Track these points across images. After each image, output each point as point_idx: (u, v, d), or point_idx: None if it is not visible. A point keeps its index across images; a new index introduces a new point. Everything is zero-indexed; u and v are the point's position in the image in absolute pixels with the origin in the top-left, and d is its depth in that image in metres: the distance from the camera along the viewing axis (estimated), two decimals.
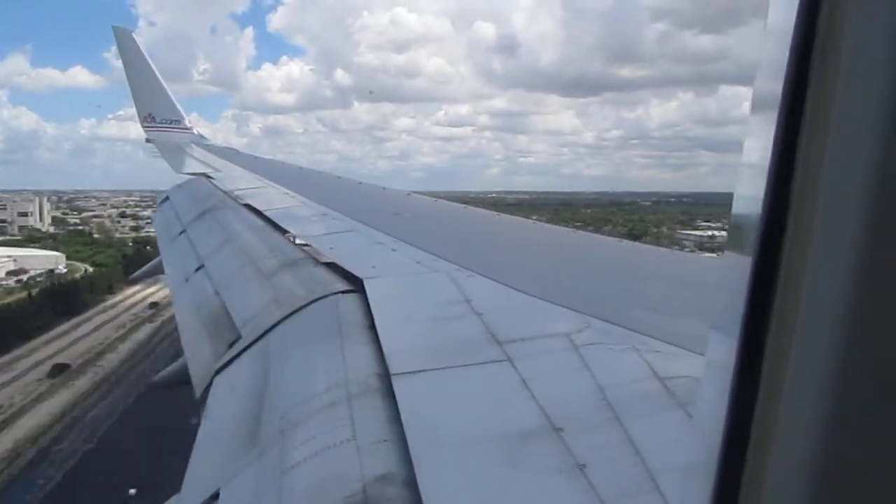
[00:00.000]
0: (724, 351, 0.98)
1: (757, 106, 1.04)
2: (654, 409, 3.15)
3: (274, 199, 12.48)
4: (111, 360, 66.54)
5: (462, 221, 12.02)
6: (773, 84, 0.87)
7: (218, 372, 5.36)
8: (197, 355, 6.23)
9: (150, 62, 27.11)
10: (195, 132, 27.68)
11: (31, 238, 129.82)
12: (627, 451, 2.79)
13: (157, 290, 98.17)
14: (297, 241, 8.58)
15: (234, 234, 10.28)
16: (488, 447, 3.02)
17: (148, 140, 26.26)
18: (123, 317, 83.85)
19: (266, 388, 4.55)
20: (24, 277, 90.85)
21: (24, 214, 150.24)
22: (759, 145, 0.93)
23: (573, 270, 7.08)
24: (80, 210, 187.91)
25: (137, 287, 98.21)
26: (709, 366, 1.21)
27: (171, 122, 26.96)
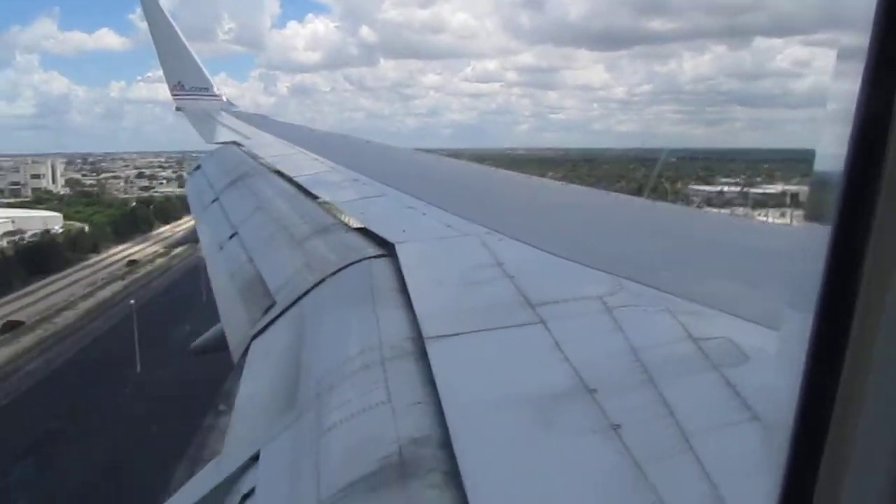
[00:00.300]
0: (797, 329, 0.88)
1: (844, 54, 0.92)
2: (688, 371, 3.14)
3: (304, 165, 12.52)
4: (66, 318, 67.07)
5: (492, 184, 11.97)
6: (861, 33, 0.78)
7: (254, 337, 5.45)
8: (233, 321, 6.34)
9: (177, 29, 27.20)
10: (224, 99, 27.81)
11: (39, 200, 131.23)
12: (661, 411, 2.79)
13: (143, 248, 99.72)
14: (328, 207, 8.62)
15: (266, 201, 10.36)
16: (522, 408, 3.04)
17: (178, 108, 26.45)
18: (99, 275, 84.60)
19: (301, 352, 4.62)
20: (18, 238, 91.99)
21: (37, 177, 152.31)
22: (845, 96, 0.83)
23: (605, 232, 7.03)
24: (100, 172, 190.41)
25: (125, 245, 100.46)
26: (783, 341, 1.09)
27: (200, 90, 27.08)
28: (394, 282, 5.07)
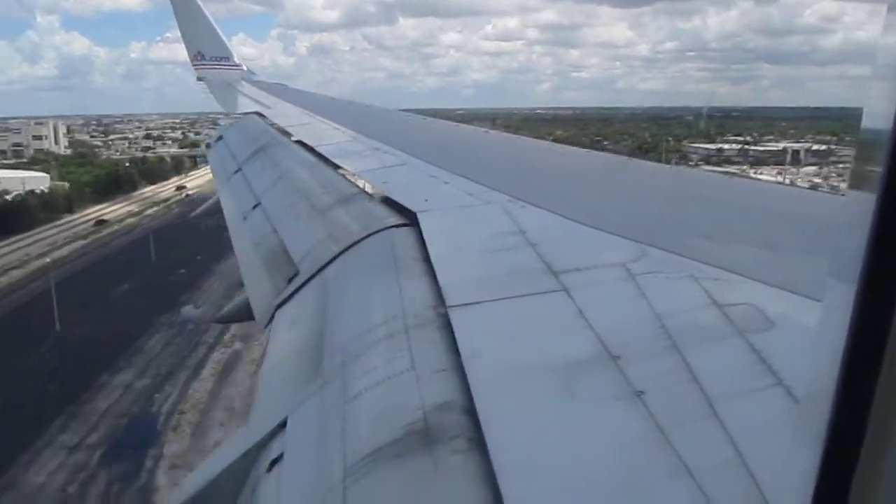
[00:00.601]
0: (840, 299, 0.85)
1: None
2: (712, 337, 3.14)
3: (325, 134, 12.52)
4: (13, 277, 68.31)
5: (514, 152, 11.89)
6: None
7: (279, 307, 5.51)
8: (258, 291, 6.41)
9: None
10: (244, 68, 27.81)
11: (35, 161, 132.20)
12: (685, 377, 2.79)
13: (119, 208, 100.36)
14: (350, 177, 8.63)
15: (288, 171, 10.39)
16: (545, 375, 3.06)
17: (199, 78, 26.50)
18: (64, 234, 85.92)
19: (326, 321, 4.67)
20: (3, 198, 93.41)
21: (39, 138, 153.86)
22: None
23: (628, 199, 6.98)
24: (109, 133, 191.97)
25: (102, 205, 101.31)
26: (825, 310, 1.04)
27: (220, 60, 27.10)
28: (417, 251, 5.08)
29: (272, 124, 15.12)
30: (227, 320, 8.91)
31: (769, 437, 2.28)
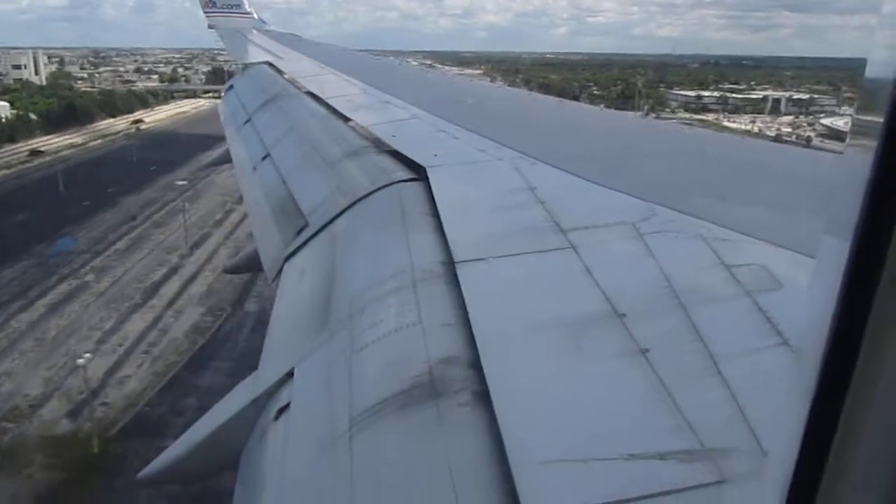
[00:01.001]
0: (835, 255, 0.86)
1: None
2: (718, 297, 3.14)
3: (336, 86, 12.42)
4: None
5: (525, 109, 11.79)
6: None
7: (287, 258, 5.54)
8: (267, 242, 6.44)
9: None
10: (255, 17, 27.44)
11: (6, 90, 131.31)
12: (690, 336, 2.80)
13: (64, 140, 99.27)
14: (360, 130, 8.59)
15: (298, 123, 10.34)
16: (551, 331, 3.09)
17: (210, 26, 26.19)
18: None
19: (334, 273, 4.70)
20: None
21: (18, 67, 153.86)
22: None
23: (640, 158, 6.93)
24: (98, 66, 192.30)
25: (50, 136, 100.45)
26: (819, 267, 1.07)
27: (231, 7, 26.73)
28: (425, 205, 5.08)
29: (283, 74, 14.99)
30: (236, 271, 8.98)
31: (772, 395, 2.31)
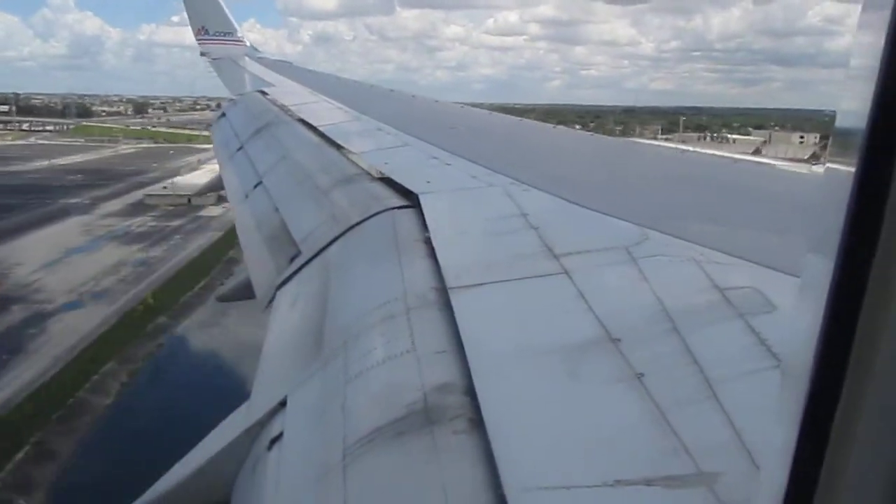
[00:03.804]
0: (820, 275, 0.88)
1: (868, 6, 0.90)
2: (712, 320, 3.14)
3: (328, 114, 12.47)
4: None
5: (517, 135, 11.86)
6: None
7: (280, 286, 5.52)
8: (259, 270, 6.42)
9: None
10: (247, 44, 27.56)
11: None
12: (685, 360, 2.80)
13: None
14: (352, 157, 8.61)
15: (291, 150, 10.36)
16: (546, 358, 3.07)
17: (202, 53, 26.28)
18: None
19: (327, 301, 4.68)
20: None
21: None
22: (869, 50, 0.81)
23: (631, 182, 6.97)
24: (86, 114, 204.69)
25: None
26: (804, 288, 1.09)
27: (224, 35, 26.83)
28: (418, 232, 5.09)
29: (275, 102, 15.05)
30: (228, 299, 8.94)
31: (768, 418, 2.30)
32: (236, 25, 27.45)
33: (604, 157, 9.42)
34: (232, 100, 18.05)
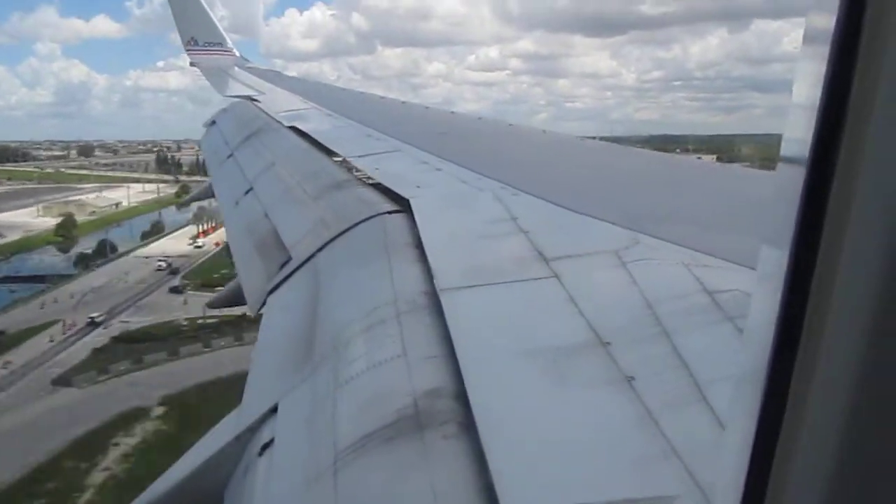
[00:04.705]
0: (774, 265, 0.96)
1: (808, 39, 0.97)
2: (702, 323, 3.15)
3: (318, 120, 12.48)
4: None
5: (506, 140, 11.88)
6: (825, 18, 0.82)
7: (271, 292, 5.50)
8: (250, 276, 6.40)
9: None
10: (237, 54, 27.57)
11: None
12: (675, 363, 2.80)
13: None
14: (342, 163, 8.61)
15: (281, 156, 10.35)
16: (536, 361, 3.07)
17: (192, 64, 26.27)
18: None
19: (318, 306, 4.67)
20: None
21: None
22: (809, 83, 0.88)
23: (621, 187, 6.99)
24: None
25: None
26: (760, 279, 1.17)
27: (213, 45, 26.83)
28: (409, 237, 5.08)
29: (265, 110, 15.04)
30: (219, 305, 8.91)
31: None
32: (225, 36, 27.47)
33: (594, 161, 9.44)
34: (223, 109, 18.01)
